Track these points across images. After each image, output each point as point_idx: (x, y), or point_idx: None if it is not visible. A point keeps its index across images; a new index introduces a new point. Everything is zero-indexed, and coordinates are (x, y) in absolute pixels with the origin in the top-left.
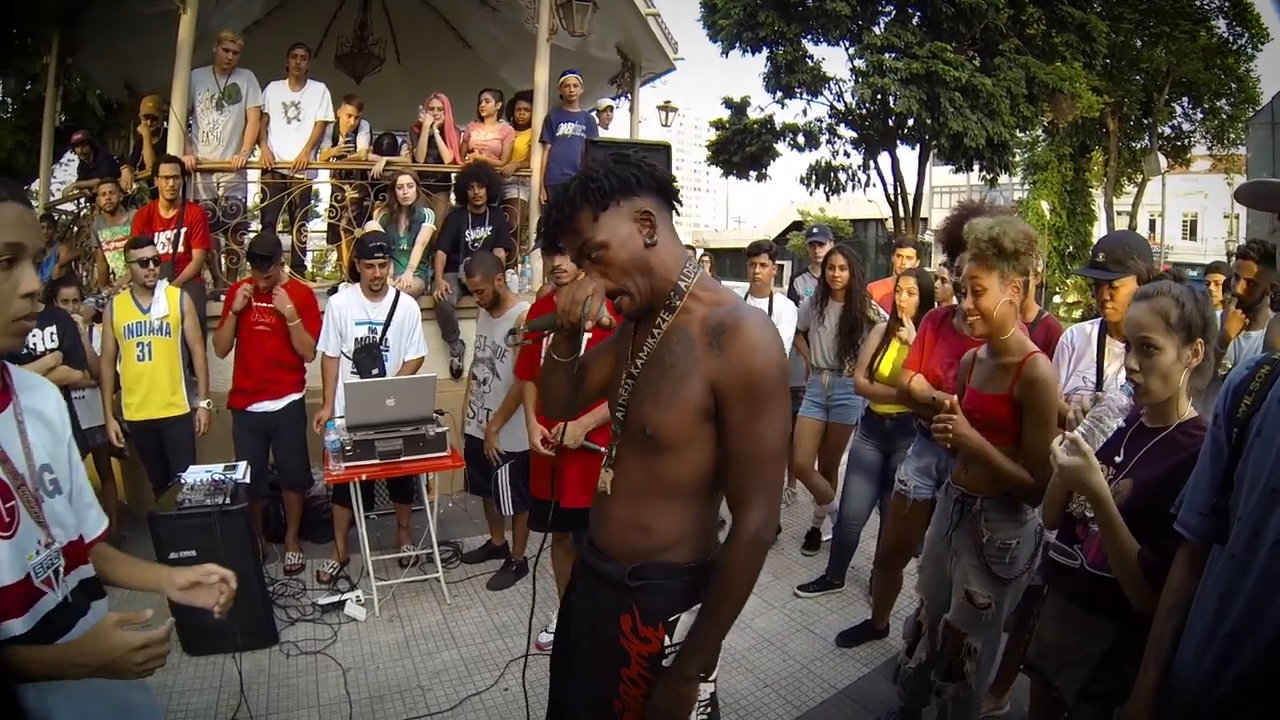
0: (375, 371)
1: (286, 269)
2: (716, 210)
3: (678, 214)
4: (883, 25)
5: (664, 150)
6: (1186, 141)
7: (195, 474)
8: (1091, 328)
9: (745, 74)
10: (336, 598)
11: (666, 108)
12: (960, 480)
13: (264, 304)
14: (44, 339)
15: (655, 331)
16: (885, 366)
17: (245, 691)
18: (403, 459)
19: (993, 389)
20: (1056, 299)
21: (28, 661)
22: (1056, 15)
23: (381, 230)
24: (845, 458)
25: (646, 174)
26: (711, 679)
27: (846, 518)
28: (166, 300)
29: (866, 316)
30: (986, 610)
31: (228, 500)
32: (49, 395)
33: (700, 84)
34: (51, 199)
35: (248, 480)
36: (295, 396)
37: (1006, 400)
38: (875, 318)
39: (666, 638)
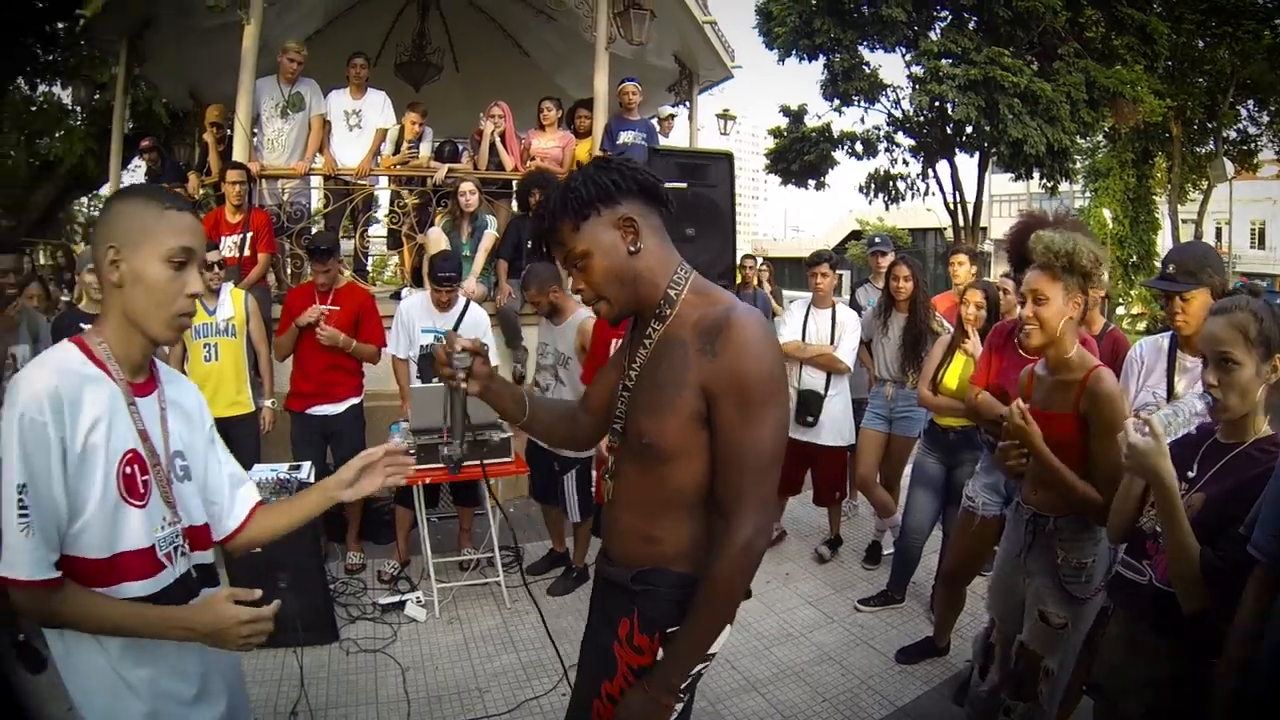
0: (437, 380)
1: (347, 273)
2: (775, 219)
3: (669, 213)
4: (939, 31)
5: (726, 159)
6: (1253, 145)
7: (261, 472)
8: (1163, 341)
9: (802, 81)
10: (397, 598)
11: (725, 116)
12: (1030, 500)
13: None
14: None
15: (647, 341)
16: (950, 379)
17: (305, 686)
18: (467, 464)
19: (1056, 407)
20: (1120, 310)
21: (135, 616)
22: (1116, 17)
23: (453, 252)
24: (908, 470)
25: (629, 179)
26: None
27: (909, 531)
28: (232, 302)
29: (930, 328)
30: (1063, 630)
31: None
32: (190, 391)
33: (757, 91)
34: None
35: (312, 480)
36: (354, 400)
37: (1072, 418)
38: (939, 329)
39: (660, 650)
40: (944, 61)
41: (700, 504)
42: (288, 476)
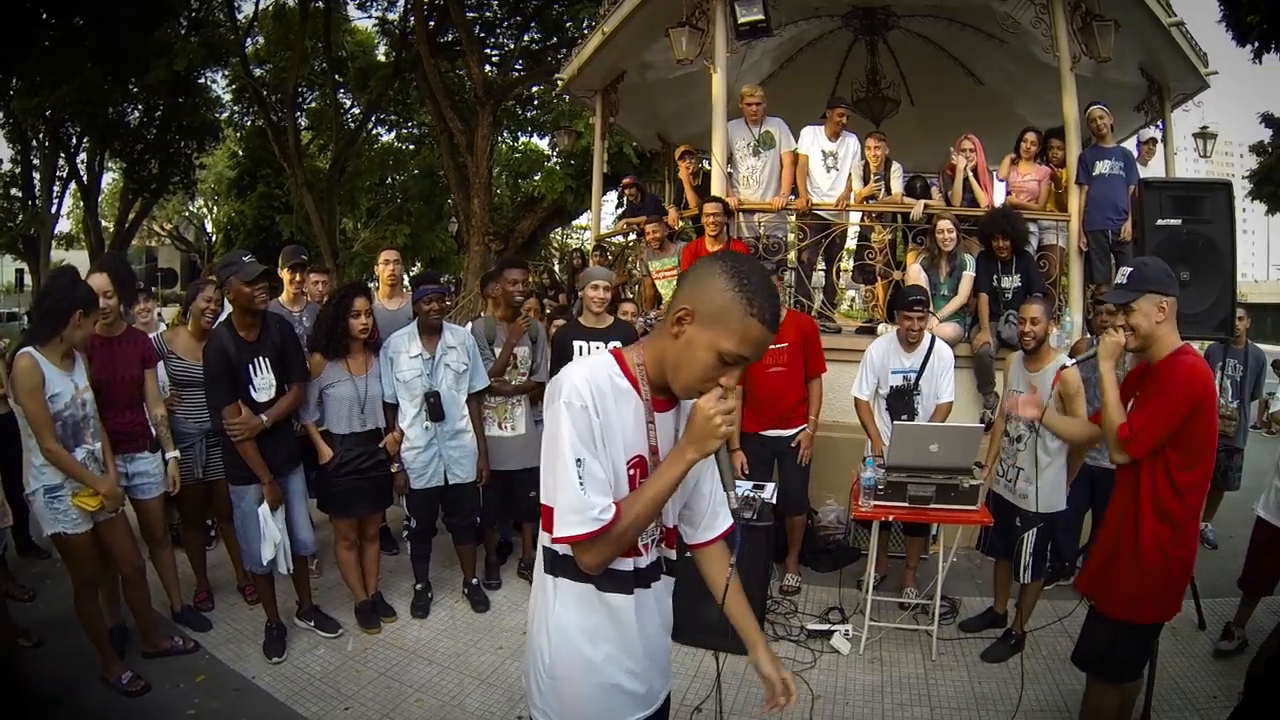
0: (904, 416)
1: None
2: (1256, 256)
3: None
4: None
5: (1224, 189)
6: None
7: None
8: None
9: None
10: (825, 627)
11: (1204, 134)
12: None
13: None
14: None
15: None
16: None
17: (718, 688)
18: (931, 506)
19: None
20: None
21: (648, 499)
22: None
23: (922, 286)
24: None
25: None
26: None
27: None
28: None
29: None
30: None
31: (755, 517)
32: None
33: (1230, 100)
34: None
35: (774, 501)
36: (803, 426)
37: None
38: None
39: None
40: None
41: None
42: (752, 495)
